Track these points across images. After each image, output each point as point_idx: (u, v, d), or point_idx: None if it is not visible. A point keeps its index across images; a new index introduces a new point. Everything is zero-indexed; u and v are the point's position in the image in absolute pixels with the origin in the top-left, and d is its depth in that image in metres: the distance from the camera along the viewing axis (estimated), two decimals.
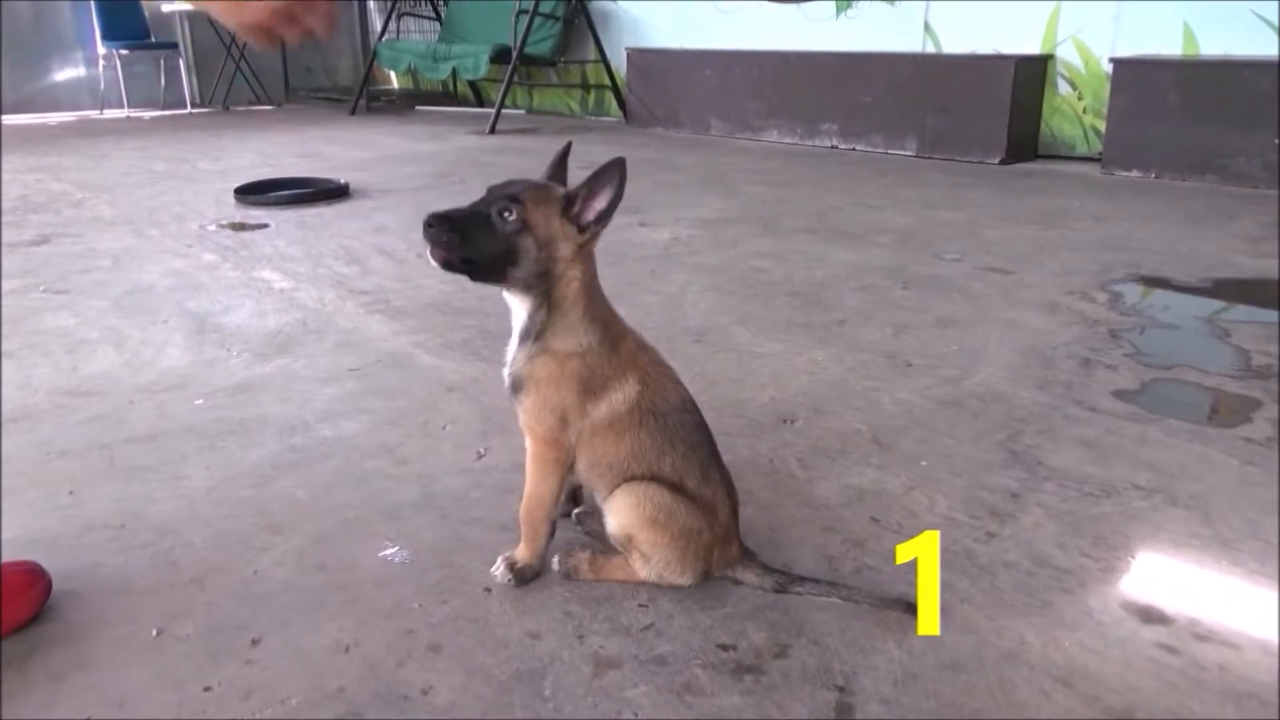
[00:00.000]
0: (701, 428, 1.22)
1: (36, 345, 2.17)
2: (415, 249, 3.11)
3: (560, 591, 1.22)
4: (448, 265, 1.11)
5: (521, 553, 1.24)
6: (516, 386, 1.18)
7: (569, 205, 1.12)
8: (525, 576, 1.23)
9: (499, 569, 1.23)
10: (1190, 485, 1.49)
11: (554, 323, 1.15)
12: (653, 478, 1.17)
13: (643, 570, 1.19)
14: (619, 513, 1.18)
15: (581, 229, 1.13)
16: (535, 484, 1.21)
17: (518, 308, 1.17)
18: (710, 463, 1.21)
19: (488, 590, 1.22)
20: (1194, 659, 1.09)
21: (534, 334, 1.16)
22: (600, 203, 1.11)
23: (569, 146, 1.24)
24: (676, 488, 1.17)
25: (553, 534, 1.25)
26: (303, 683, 1.05)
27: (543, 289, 1.14)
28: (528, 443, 1.21)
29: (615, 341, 1.19)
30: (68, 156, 5.15)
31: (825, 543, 1.33)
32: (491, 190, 1.13)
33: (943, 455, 1.61)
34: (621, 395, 1.17)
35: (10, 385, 1.93)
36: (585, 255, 1.15)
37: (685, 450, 1.19)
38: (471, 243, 1.10)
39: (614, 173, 1.09)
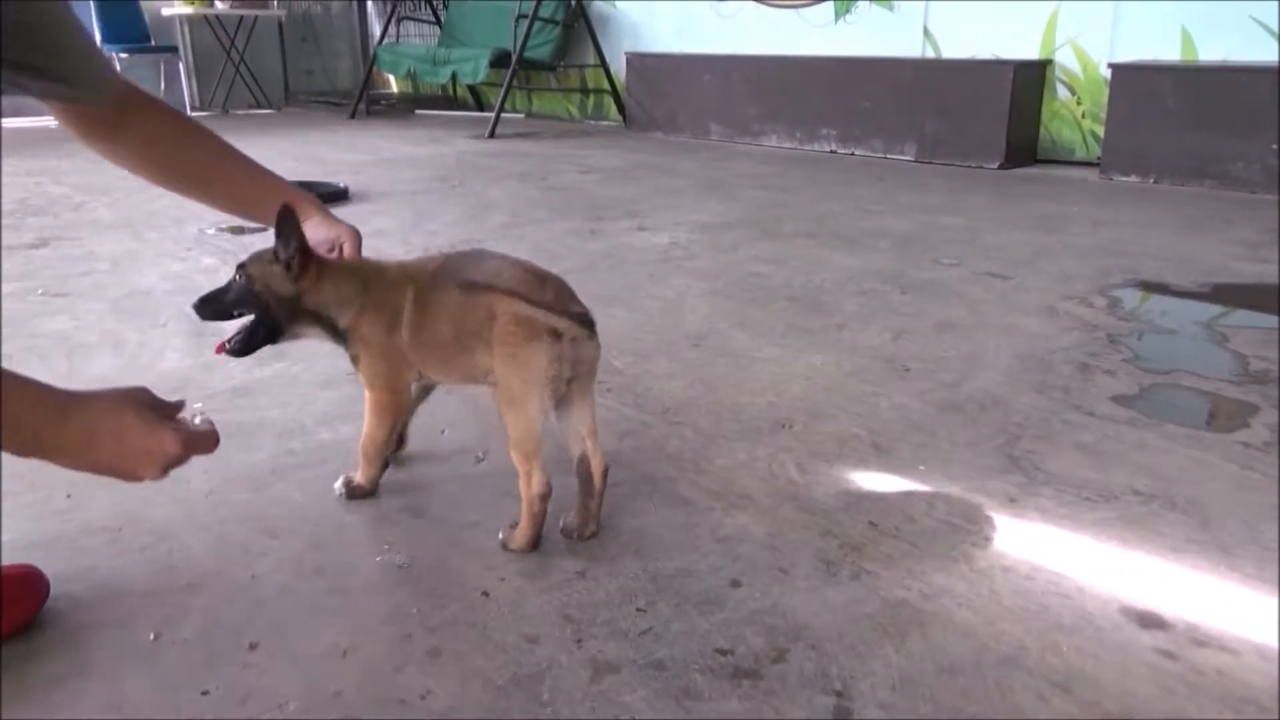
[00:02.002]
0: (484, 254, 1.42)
1: (35, 348, 2.17)
2: (414, 253, 3.11)
3: (558, 596, 1.22)
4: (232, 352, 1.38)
5: (360, 477, 1.46)
6: (354, 363, 1.41)
7: (275, 256, 1.33)
8: (357, 495, 1.47)
9: (338, 485, 1.47)
10: (1188, 490, 1.49)
11: (332, 316, 1.36)
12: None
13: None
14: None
15: (287, 266, 1.33)
16: (374, 422, 1.42)
17: (318, 340, 1.41)
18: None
19: (485, 595, 1.22)
20: (1193, 664, 1.09)
21: (333, 329, 1.37)
22: (285, 246, 1.32)
23: (287, 209, 1.32)
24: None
25: (385, 467, 1.49)
26: (300, 687, 1.05)
27: (305, 315, 1.36)
28: (366, 393, 1.41)
29: (378, 277, 1.38)
30: (67, 160, 5.15)
31: (823, 547, 1.33)
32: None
33: (941, 460, 1.61)
34: (408, 309, 1.34)
35: None
36: (308, 276, 1.34)
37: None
38: (223, 308, 1.37)
39: (286, 223, 1.30)
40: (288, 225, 1.30)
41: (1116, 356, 2.10)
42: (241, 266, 1.35)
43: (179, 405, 1.11)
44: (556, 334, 1.25)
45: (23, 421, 0.96)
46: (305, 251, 1.33)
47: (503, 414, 1.29)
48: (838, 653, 1.10)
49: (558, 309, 1.27)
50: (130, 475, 1.02)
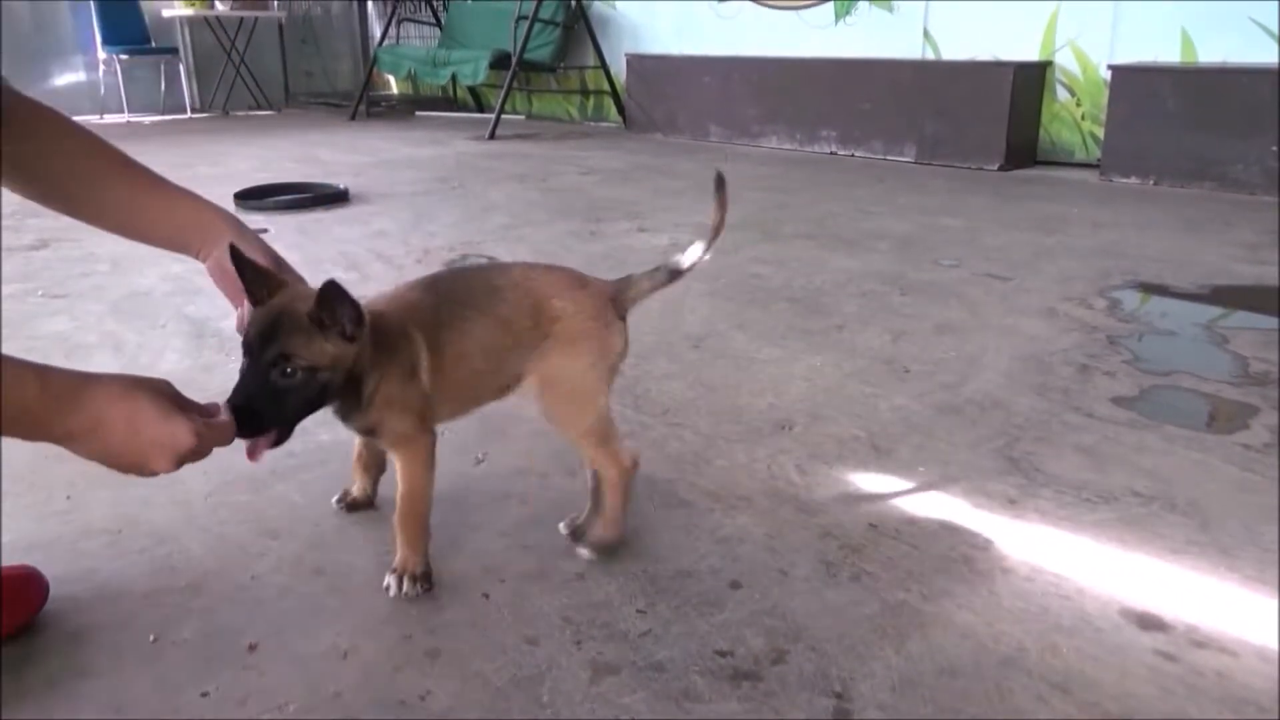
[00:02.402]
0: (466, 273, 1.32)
1: (34, 350, 2.17)
2: (414, 255, 3.11)
3: (558, 598, 1.21)
4: (277, 444, 1.09)
5: (415, 558, 1.22)
6: (371, 431, 1.20)
7: (320, 324, 1.06)
8: (427, 581, 1.23)
9: (405, 587, 1.20)
10: (1188, 492, 1.49)
11: (365, 380, 1.14)
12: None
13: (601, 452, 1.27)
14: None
15: (346, 337, 1.08)
16: (420, 481, 1.20)
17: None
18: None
19: (486, 596, 1.22)
20: (1192, 666, 1.09)
21: (355, 405, 1.15)
22: (345, 315, 1.07)
23: (332, 285, 1.06)
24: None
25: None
26: (300, 688, 1.05)
27: (349, 381, 1.12)
28: (394, 455, 1.21)
29: (382, 325, 1.15)
30: None
31: (823, 548, 1.33)
32: (248, 347, 1.07)
33: (940, 461, 1.61)
34: (423, 355, 1.17)
35: None
36: (361, 335, 1.10)
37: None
38: (283, 414, 1.07)
39: (335, 293, 1.04)
40: (337, 293, 1.04)
41: (1116, 358, 2.10)
42: (280, 357, 1.05)
43: (210, 408, 1.04)
44: (624, 316, 1.29)
45: (29, 406, 0.91)
46: (357, 307, 1.09)
47: (559, 409, 1.26)
48: (837, 654, 1.10)
49: (614, 294, 1.30)
50: (142, 467, 0.97)
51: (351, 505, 1.43)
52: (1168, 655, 1.11)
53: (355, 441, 1.40)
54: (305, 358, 1.05)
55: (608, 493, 1.30)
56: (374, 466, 1.43)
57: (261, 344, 1.05)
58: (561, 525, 1.36)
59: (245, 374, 1.06)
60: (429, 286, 1.24)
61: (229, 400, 1.05)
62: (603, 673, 1.07)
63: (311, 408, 1.09)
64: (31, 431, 0.92)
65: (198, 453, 0.99)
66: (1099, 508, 1.45)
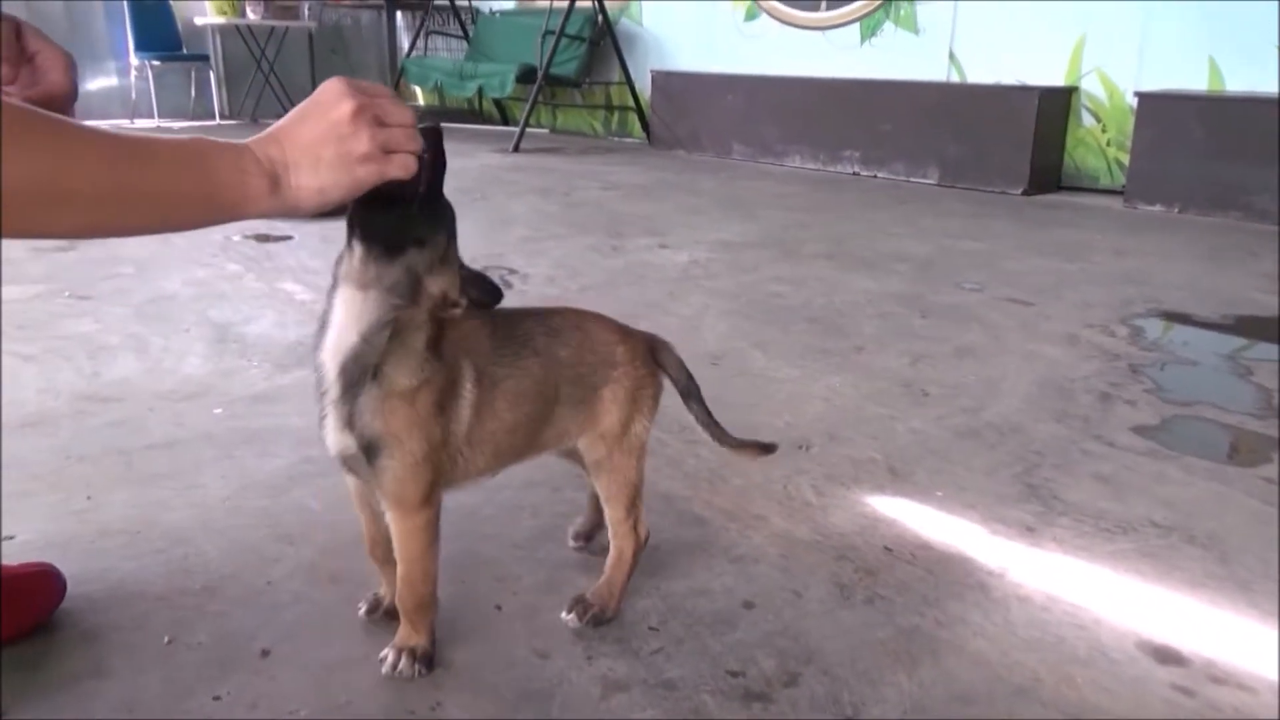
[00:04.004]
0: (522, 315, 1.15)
1: (59, 350, 2.19)
2: None
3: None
4: (409, 172, 0.90)
5: (420, 634, 1.09)
6: (371, 449, 0.98)
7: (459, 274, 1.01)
8: (429, 660, 1.09)
9: (401, 665, 1.07)
10: (1208, 524, 1.48)
11: (394, 350, 0.97)
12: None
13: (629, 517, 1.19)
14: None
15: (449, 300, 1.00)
16: (420, 559, 1.05)
17: (350, 320, 0.97)
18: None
19: (498, 608, 1.22)
20: (1209, 701, 1.07)
21: (369, 368, 0.97)
22: (473, 292, 1.01)
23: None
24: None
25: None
26: (311, 695, 1.05)
27: (401, 300, 0.97)
28: (392, 519, 1.04)
29: (444, 343, 1.02)
30: None
31: (838, 570, 1.33)
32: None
33: (958, 486, 1.60)
34: (468, 389, 1.05)
35: (32, 389, 1.95)
36: (437, 299, 0.99)
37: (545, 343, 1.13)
38: (430, 192, 0.95)
39: (492, 290, 1.03)
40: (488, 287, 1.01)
41: (1138, 387, 2.08)
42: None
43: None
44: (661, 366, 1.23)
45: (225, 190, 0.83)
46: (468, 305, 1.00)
47: (616, 463, 1.18)
48: (849, 678, 1.10)
49: (650, 346, 1.23)
50: (344, 138, 0.86)
51: (389, 612, 1.17)
52: (1185, 690, 1.09)
53: (363, 524, 1.17)
54: (451, 246, 1.00)
55: (618, 567, 1.21)
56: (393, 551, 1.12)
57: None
58: (570, 540, 1.36)
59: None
60: (487, 323, 1.11)
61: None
62: (613, 689, 1.07)
63: (416, 227, 0.96)
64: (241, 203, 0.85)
65: (374, 110, 0.87)
66: (1117, 538, 1.43)
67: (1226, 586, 1.31)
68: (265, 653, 1.12)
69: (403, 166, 0.89)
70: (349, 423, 0.98)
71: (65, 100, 1.05)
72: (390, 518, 1.04)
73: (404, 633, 1.09)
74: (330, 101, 0.87)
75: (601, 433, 1.17)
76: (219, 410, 1.86)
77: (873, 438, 1.80)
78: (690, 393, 1.25)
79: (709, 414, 1.25)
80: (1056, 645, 1.17)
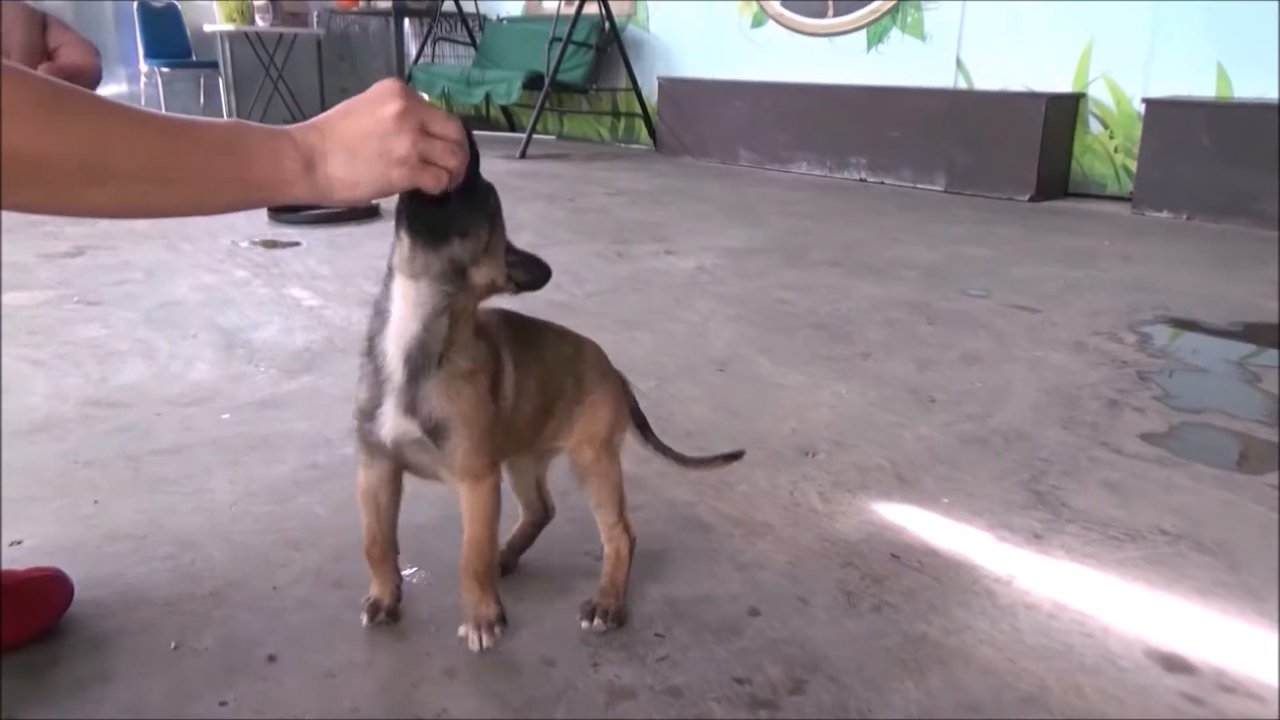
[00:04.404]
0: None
1: (68, 355, 2.20)
2: None
3: (576, 619, 1.21)
4: (440, 185, 0.93)
5: (487, 605, 1.13)
6: (438, 432, 1.03)
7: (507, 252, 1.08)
8: (500, 623, 1.14)
9: (488, 639, 1.12)
10: (1217, 532, 1.47)
11: (455, 340, 1.02)
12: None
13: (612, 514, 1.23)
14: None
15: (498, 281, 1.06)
16: (491, 520, 1.11)
17: (409, 309, 1.01)
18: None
19: (503, 615, 1.22)
20: (1219, 710, 1.07)
21: (433, 353, 1.01)
22: (520, 275, 1.08)
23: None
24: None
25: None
26: (317, 700, 1.05)
27: (455, 285, 1.01)
28: (463, 489, 1.08)
29: (486, 333, 1.10)
30: None
31: (844, 578, 1.32)
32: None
33: (965, 494, 1.59)
34: (509, 370, 1.10)
35: (41, 394, 1.96)
36: (484, 286, 1.06)
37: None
38: (467, 183, 0.98)
39: (540, 270, 1.10)
40: (539, 270, 1.10)
41: (1146, 394, 2.07)
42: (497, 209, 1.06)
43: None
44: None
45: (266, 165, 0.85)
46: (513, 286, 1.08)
47: (604, 467, 1.21)
48: (856, 685, 1.09)
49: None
50: (385, 136, 0.87)
51: (390, 613, 1.19)
52: (1194, 699, 1.08)
53: (364, 523, 1.17)
54: (497, 227, 1.07)
55: (618, 567, 1.23)
56: (392, 551, 1.20)
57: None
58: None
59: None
60: (502, 316, 1.16)
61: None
62: (619, 696, 1.07)
63: (462, 218, 1.00)
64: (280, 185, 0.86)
65: (421, 116, 0.89)
66: (1125, 545, 1.43)
67: (1236, 594, 1.30)
68: (271, 658, 1.12)
69: (436, 179, 0.91)
70: (411, 408, 1.02)
71: (89, 88, 1.05)
72: (462, 488, 1.09)
73: (474, 604, 1.13)
74: (379, 99, 0.88)
75: (590, 435, 1.21)
76: (226, 415, 1.86)
77: (879, 444, 1.79)
78: (647, 427, 1.32)
79: (663, 444, 1.33)
80: (1064, 653, 1.16)
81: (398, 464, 1.11)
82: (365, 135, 0.87)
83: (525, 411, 1.14)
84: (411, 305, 1.01)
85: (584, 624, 1.19)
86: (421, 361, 1.01)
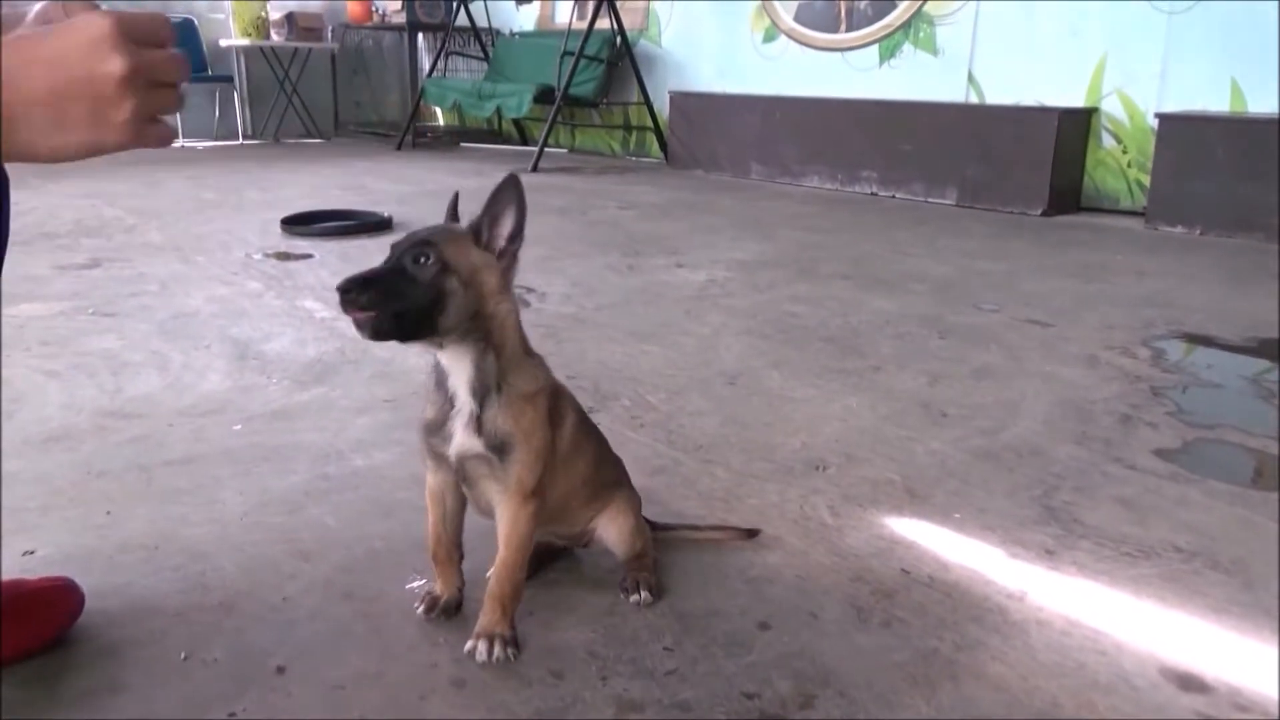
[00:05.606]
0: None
1: (82, 366, 2.22)
2: None
3: (585, 631, 1.21)
4: (377, 333, 1.01)
5: (503, 624, 1.16)
6: (502, 449, 1.10)
7: (478, 236, 1.09)
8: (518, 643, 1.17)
9: (495, 652, 1.13)
10: (1232, 549, 1.46)
11: (507, 366, 1.10)
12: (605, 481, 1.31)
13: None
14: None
15: (499, 255, 1.09)
16: (525, 546, 1.15)
17: (458, 364, 1.09)
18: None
19: (512, 627, 1.21)
20: None
21: (492, 384, 1.09)
22: (506, 225, 1.09)
23: (457, 196, 1.22)
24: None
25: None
26: (326, 711, 1.05)
27: (480, 333, 1.08)
28: (508, 507, 1.13)
29: (545, 367, 1.18)
30: (121, 183, 5.29)
31: (854, 592, 1.32)
32: (395, 246, 1.08)
33: (976, 509, 1.59)
34: (568, 417, 1.20)
35: (55, 405, 1.97)
36: (509, 285, 1.11)
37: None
38: (395, 299, 1.01)
39: (510, 192, 1.09)
40: (509, 193, 1.09)
41: (1159, 409, 2.06)
42: (423, 243, 1.05)
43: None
44: None
45: None
46: (516, 236, 1.11)
47: (640, 530, 1.33)
48: (866, 701, 1.08)
49: None
50: (92, 81, 0.71)
51: (446, 611, 1.24)
52: (1208, 718, 1.07)
53: (430, 524, 1.23)
54: (445, 253, 1.04)
55: (635, 533, 1.32)
56: (456, 552, 1.25)
57: (410, 238, 1.08)
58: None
59: (386, 260, 1.06)
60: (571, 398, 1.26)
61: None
62: (627, 710, 1.06)
63: (422, 314, 1.02)
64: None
65: (148, 72, 0.74)
66: (1139, 562, 1.42)
67: (1251, 613, 1.29)
68: (281, 669, 1.12)
69: (159, 139, 0.77)
70: (478, 428, 1.10)
71: None
72: (507, 505, 1.13)
73: (489, 621, 1.15)
74: (93, 53, 0.71)
75: (622, 508, 1.31)
76: (238, 426, 1.87)
77: (890, 459, 1.79)
78: (658, 526, 1.45)
79: (674, 525, 1.49)
80: (1077, 670, 1.15)
81: (458, 476, 1.16)
82: (76, 97, 0.70)
83: (573, 471, 1.21)
84: (456, 360, 1.09)
85: (633, 598, 1.26)
86: (483, 393, 1.10)
